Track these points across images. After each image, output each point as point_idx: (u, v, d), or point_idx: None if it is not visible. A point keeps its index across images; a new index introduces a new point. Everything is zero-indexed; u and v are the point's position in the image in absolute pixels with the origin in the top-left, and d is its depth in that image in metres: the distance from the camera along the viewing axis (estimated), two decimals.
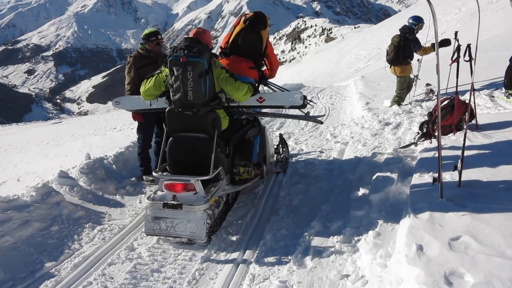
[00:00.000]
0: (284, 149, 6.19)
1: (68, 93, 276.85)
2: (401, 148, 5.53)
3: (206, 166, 3.75)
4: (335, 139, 7.08)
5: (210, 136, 3.86)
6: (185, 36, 3.99)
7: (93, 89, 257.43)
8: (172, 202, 3.62)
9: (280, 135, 6.34)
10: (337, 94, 15.13)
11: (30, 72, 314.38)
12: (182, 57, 3.59)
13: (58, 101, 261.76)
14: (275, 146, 6.11)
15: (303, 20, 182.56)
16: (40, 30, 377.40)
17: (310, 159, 6.06)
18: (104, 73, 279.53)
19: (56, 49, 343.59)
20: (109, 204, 4.78)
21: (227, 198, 4.57)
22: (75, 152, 10.50)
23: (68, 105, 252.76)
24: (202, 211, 3.66)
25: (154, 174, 3.82)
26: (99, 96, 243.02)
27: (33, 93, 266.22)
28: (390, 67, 8.63)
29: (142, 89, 4.04)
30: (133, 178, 5.54)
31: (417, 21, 8.21)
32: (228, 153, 4.26)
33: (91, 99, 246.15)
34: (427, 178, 3.88)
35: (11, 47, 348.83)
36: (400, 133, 6.54)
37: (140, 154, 5.51)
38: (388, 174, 4.39)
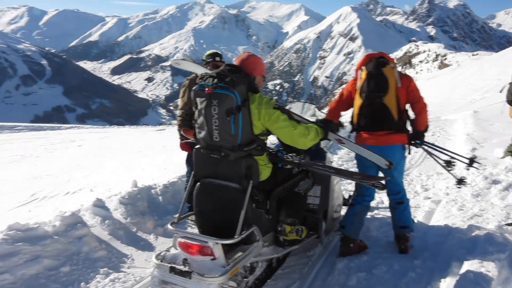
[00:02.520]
0: None
1: (180, 102, 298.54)
2: (509, 225, 4.17)
3: (235, 224, 2.97)
4: (425, 193, 5.83)
5: (242, 187, 3.07)
6: (226, 63, 3.20)
7: None
8: (181, 267, 2.87)
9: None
10: (441, 130, 13.36)
11: (149, 79, 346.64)
12: (208, 88, 2.83)
13: (171, 108, 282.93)
14: (347, 196, 5.10)
15: (415, 44, 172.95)
16: (162, 42, 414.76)
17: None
18: None
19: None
20: (138, 246, 4.22)
21: (271, 261, 3.73)
22: (153, 166, 10.49)
23: None
24: (217, 284, 2.85)
25: (169, 226, 3.13)
26: None
27: (150, 99, 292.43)
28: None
29: None
30: (178, 215, 4.96)
31: None
32: (269, 208, 3.40)
33: None
34: None
35: (135, 56, 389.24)
36: (511, 198, 5.08)
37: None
38: (483, 269, 3.15)
